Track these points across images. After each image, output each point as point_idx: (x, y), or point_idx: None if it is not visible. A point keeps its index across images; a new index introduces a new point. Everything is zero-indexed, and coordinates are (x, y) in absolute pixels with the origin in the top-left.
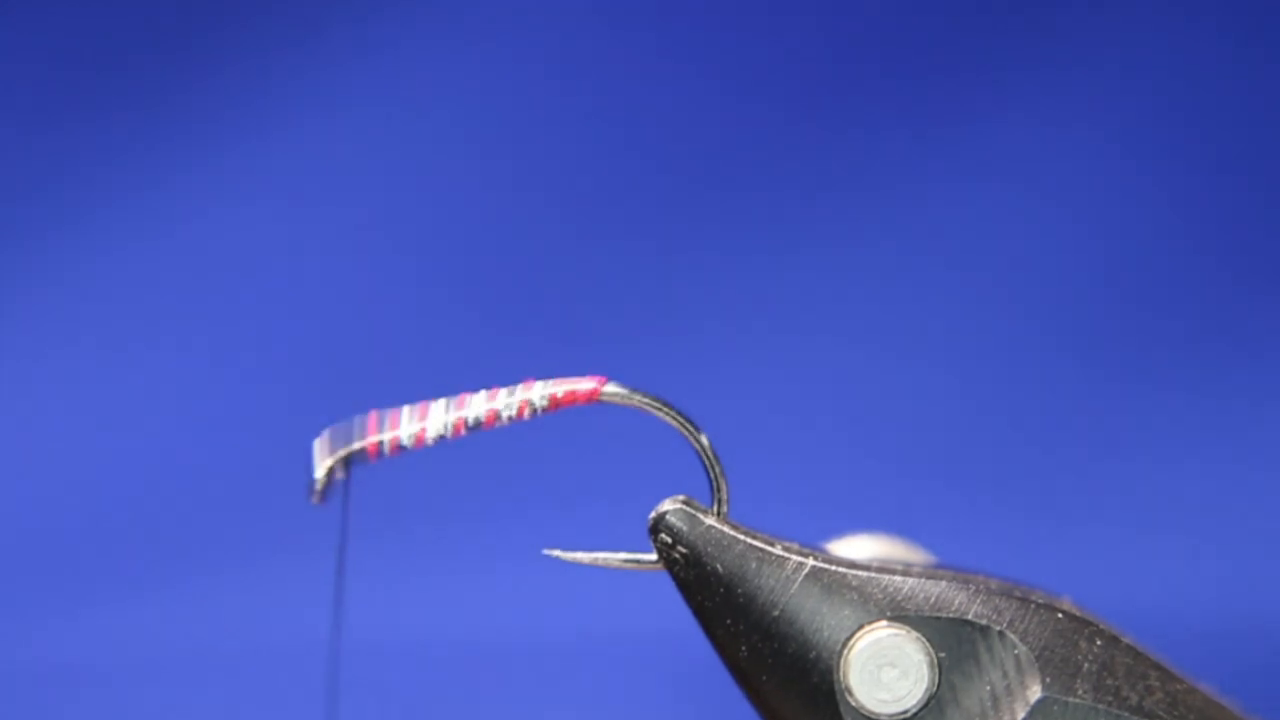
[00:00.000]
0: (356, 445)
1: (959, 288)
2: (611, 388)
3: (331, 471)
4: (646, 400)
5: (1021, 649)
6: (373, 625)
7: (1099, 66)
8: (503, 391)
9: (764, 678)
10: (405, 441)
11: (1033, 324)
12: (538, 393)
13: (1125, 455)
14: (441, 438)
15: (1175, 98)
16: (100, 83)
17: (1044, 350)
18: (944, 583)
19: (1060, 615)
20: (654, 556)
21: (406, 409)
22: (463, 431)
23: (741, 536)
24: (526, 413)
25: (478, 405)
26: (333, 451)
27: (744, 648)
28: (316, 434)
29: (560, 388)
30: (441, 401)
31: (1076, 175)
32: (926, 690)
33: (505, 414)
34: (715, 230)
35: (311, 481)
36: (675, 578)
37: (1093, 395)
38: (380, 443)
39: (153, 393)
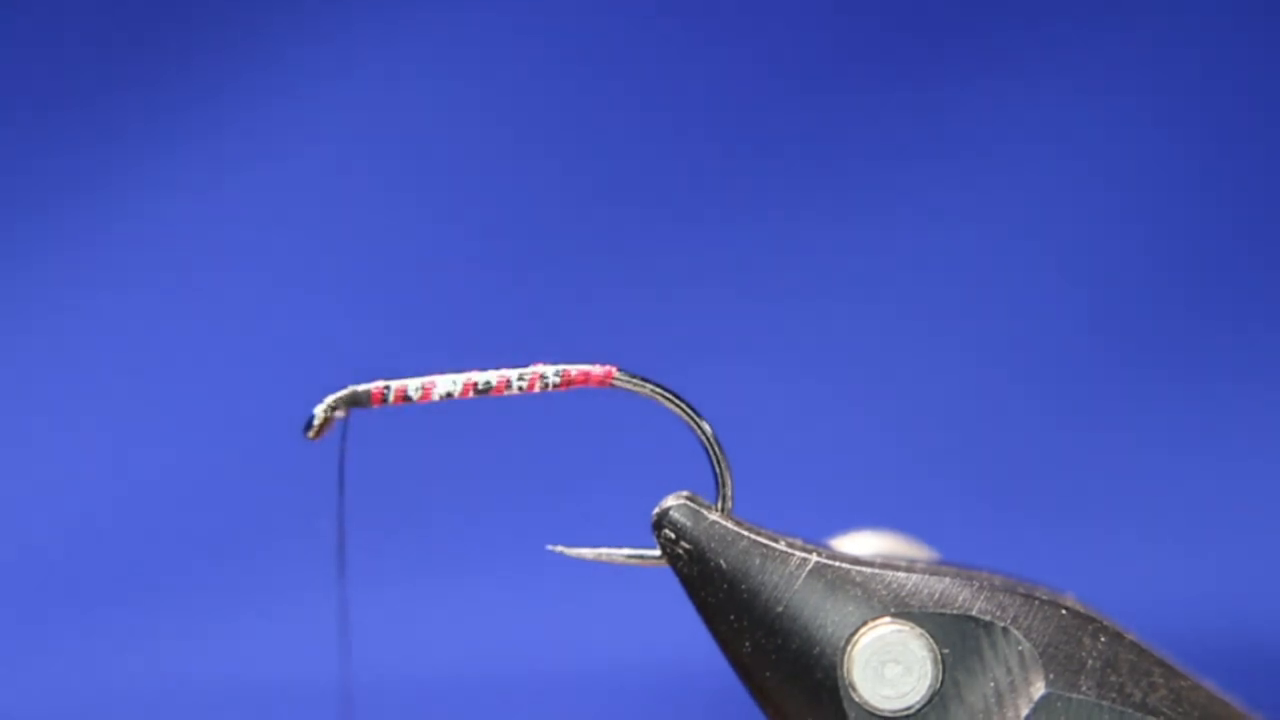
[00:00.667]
0: (362, 388)
1: (964, 284)
2: (623, 374)
3: (332, 409)
4: (657, 389)
5: (1025, 645)
6: (377, 648)
7: (1132, 46)
8: (513, 372)
9: (767, 674)
10: (411, 393)
11: (1037, 321)
12: (551, 369)
13: (1129, 453)
14: (449, 395)
15: (1195, 92)
16: (94, 77)
17: (1048, 348)
18: (948, 579)
19: (1064, 612)
20: (657, 552)
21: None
22: (471, 394)
23: (745, 532)
24: (538, 386)
25: (489, 373)
26: (337, 394)
27: (747, 644)
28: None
29: (574, 368)
30: (450, 374)
31: (1088, 178)
32: (930, 686)
33: (516, 383)
34: (721, 224)
35: (310, 416)
36: (679, 574)
37: (1097, 393)
38: (386, 389)
39: (152, 410)
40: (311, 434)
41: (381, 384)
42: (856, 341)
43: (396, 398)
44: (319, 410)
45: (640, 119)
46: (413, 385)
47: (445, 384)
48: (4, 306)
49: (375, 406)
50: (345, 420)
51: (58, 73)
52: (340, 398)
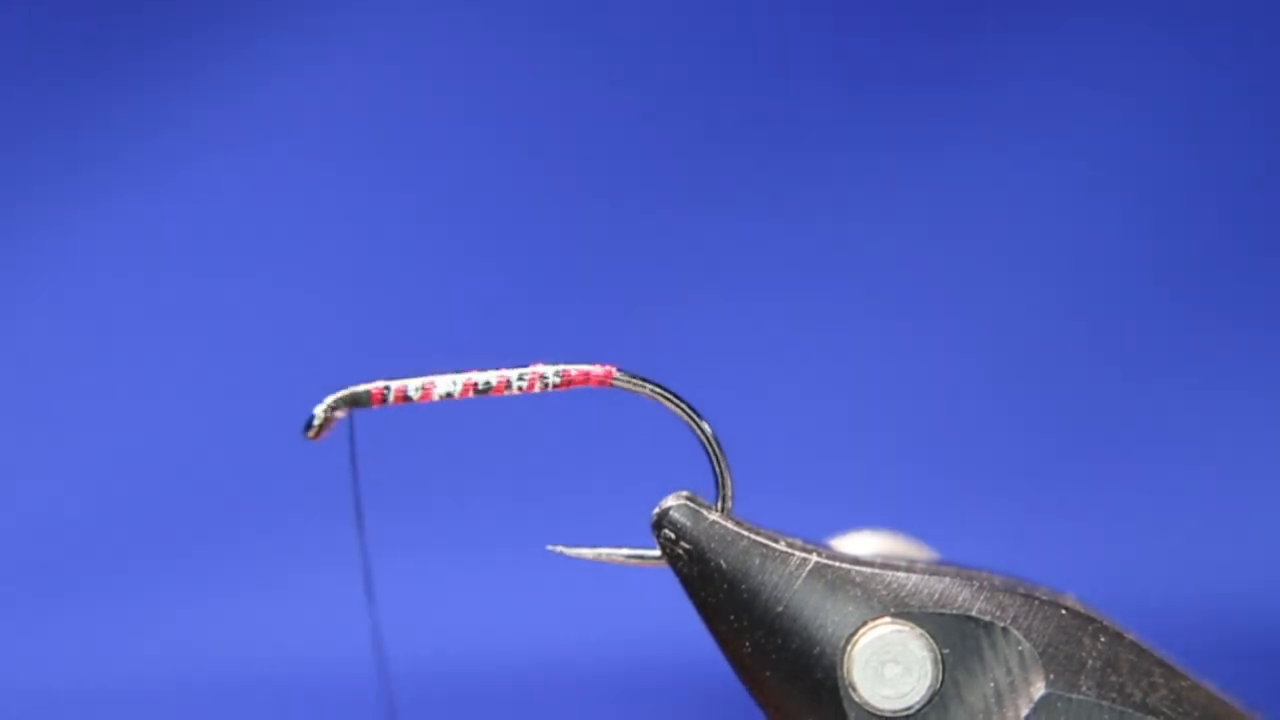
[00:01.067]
0: (361, 389)
1: (964, 284)
2: (623, 375)
3: (332, 409)
4: (656, 390)
5: (1025, 645)
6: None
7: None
8: (513, 372)
9: (768, 674)
10: (411, 393)
11: (1039, 320)
12: (551, 369)
13: (1130, 452)
14: (449, 395)
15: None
16: (86, 69)
17: (1049, 348)
18: (948, 579)
19: (1064, 612)
20: (657, 553)
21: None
22: (471, 394)
23: (745, 532)
24: (538, 386)
25: (489, 374)
26: (337, 394)
27: (748, 644)
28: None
29: (574, 368)
30: (450, 374)
31: (1094, 178)
32: (930, 686)
33: (516, 384)
34: (724, 224)
35: (310, 416)
36: (679, 574)
37: (1098, 392)
38: (386, 389)
39: (154, 396)
40: (311, 434)
41: (381, 384)
42: (856, 341)
43: (396, 398)
44: (319, 410)
45: (640, 115)
46: (413, 385)
47: (445, 384)
48: (27, 309)
49: (375, 406)
50: (350, 421)
51: (35, 67)
52: (340, 398)
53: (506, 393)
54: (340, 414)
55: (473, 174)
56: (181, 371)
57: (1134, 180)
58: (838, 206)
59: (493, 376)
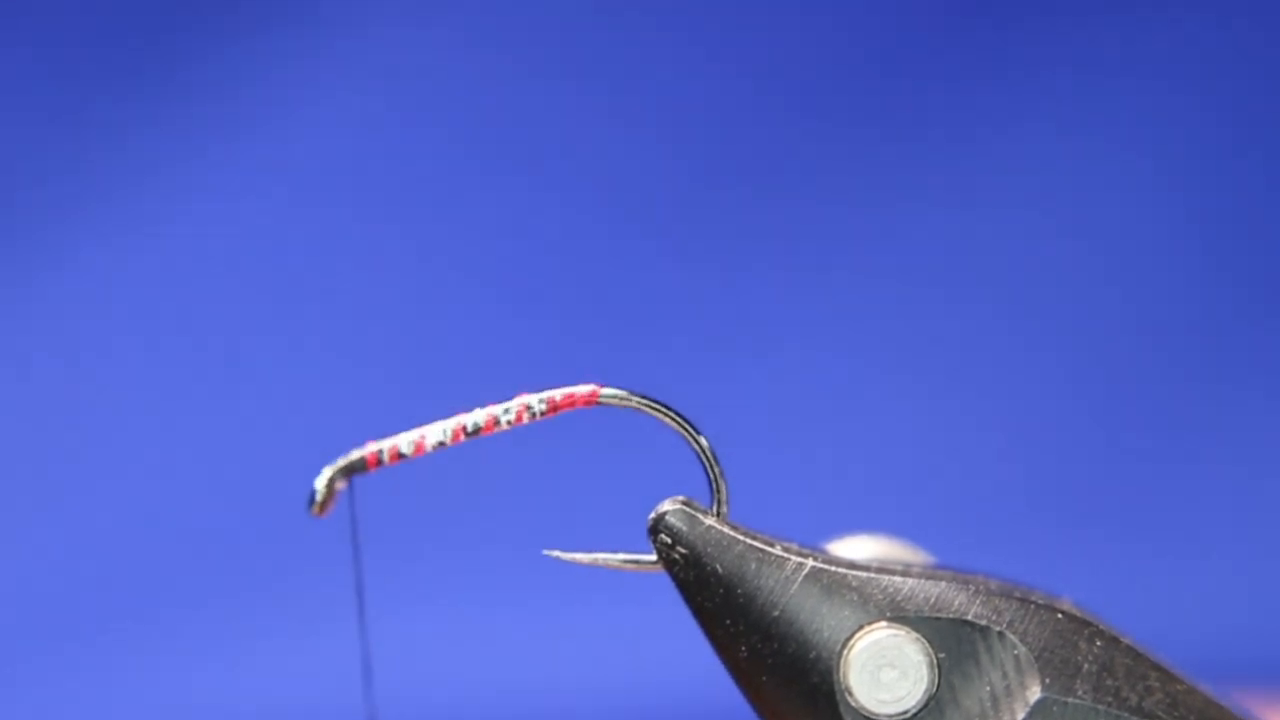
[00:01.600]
0: (356, 455)
1: (959, 290)
2: (610, 390)
3: (332, 482)
4: (644, 402)
5: (1021, 649)
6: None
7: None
8: (499, 408)
9: (764, 678)
10: (404, 449)
11: (1031, 324)
12: (536, 398)
13: (1127, 459)
14: (441, 445)
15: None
16: (95, 81)
17: (1043, 350)
18: (943, 583)
19: (1060, 616)
20: (653, 557)
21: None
22: (461, 438)
23: (741, 537)
24: (525, 417)
25: (476, 414)
26: (334, 465)
27: (743, 648)
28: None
29: (558, 392)
30: (438, 422)
31: (1101, 189)
32: (926, 691)
33: (504, 419)
34: (717, 232)
35: (311, 492)
36: (675, 578)
37: (1096, 394)
38: (380, 452)
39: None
40: (316, 510)
41: (374, 448)
42: (849, 346)
43: (391, 458)
44: (319, 486)
45: (651, 111)
46: (404, 442)
47: (435, 434)
48: (27, 339)
49: (372, 470)
50: (349, 490)
51: (34, 66)
52: (337, 469)
53: (496, 430)
54: (341, 485)
55: (475, 174)
56: (182, 377)
57: (1189, 180)
58: (830, 227)
59: (480, 417)
